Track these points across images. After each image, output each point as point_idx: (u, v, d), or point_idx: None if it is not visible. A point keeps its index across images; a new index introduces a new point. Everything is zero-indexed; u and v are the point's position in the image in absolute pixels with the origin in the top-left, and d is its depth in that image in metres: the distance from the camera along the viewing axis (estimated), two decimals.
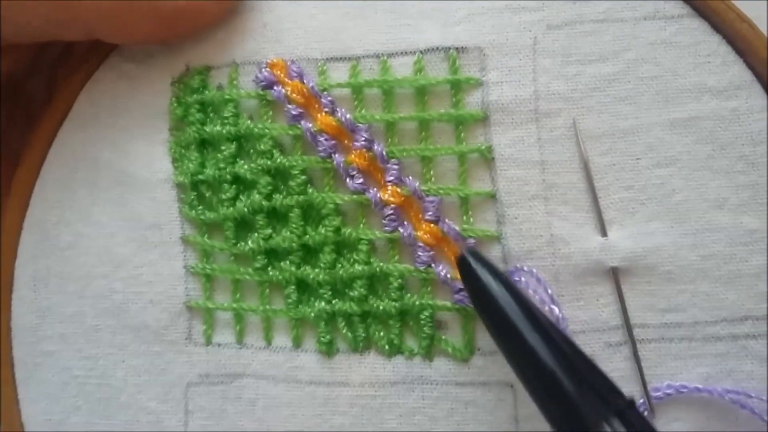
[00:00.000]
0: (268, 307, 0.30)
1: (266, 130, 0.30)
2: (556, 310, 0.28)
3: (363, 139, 0.30)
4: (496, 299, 0.26)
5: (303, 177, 0.30)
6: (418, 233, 0.29)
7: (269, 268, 0.30)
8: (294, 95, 0.30)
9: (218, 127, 0.31)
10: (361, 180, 0.30)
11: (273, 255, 0.31)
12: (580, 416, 0.24)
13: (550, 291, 0.28)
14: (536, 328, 0.25)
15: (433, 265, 0.29)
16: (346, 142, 0.30)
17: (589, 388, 0.24)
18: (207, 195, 0.31)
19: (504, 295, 0.26)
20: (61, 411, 0.31)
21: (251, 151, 0.31)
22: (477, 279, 0.26)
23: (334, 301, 0.30)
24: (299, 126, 0.30)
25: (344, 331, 0.30)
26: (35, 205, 0.32)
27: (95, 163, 0.32)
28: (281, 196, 0.30)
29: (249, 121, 0.31)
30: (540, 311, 0.26)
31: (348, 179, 0.30)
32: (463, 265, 0.27)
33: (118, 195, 0.32)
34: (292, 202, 0.30)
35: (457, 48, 0.29)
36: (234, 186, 0.31)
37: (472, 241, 0.29)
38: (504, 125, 0.29)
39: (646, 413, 0.28)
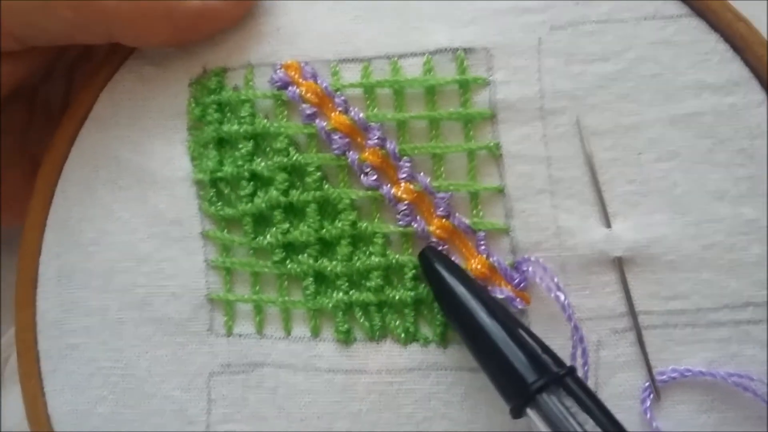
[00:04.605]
0: (287, 298, 0.31)
1: (282, 129, 0.31)
2: (562, 297, 0.28)
3: (376, 137, 0.30)
4: (451, 288, 0.28)
5: (318, 173, 0.31)
6: (431, 228, 0.30)
7: (287, 261, 0.31)
8: (308, 95, 0.31)
9: (235, 127, 0.31)
10: (374, 177, 0.30)
11: (291, 248, 0.31)
12: (524, 384, 0.25)
13: (556, 279, 0.29)
14: (486, 312, 0.27)
15: None
16: (359, 140, 0.31)
17: (532, 359, 0.26)
18: (226, 192, 0.32)
19: (457, 284, 0.28)
20: (87, 401, 0.32)
21: (268, 149, 0.31)
22: (434, 271, 0.28)
23: (351, 292, 0.30)
24: (314, 125, 0.31)
25: (361, 321, 0.30)
26: (58, 203, 0.32)
27: (116, 162, 0.32)
28: (298, 192, 0.31)
29: (265, 121, 0.31)
30: (492, 298, 0.28)
31: (362, 176, 0.30)
32: (422, 259, 0.29)
33: (139, 193, 0.32)
34: (308, 198, 0.31)
35: (464, 49, 0.30)
36: (252, 183, 0.31)
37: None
38: (511, 123, 0.30)
39: (651, 396, 0.29)
